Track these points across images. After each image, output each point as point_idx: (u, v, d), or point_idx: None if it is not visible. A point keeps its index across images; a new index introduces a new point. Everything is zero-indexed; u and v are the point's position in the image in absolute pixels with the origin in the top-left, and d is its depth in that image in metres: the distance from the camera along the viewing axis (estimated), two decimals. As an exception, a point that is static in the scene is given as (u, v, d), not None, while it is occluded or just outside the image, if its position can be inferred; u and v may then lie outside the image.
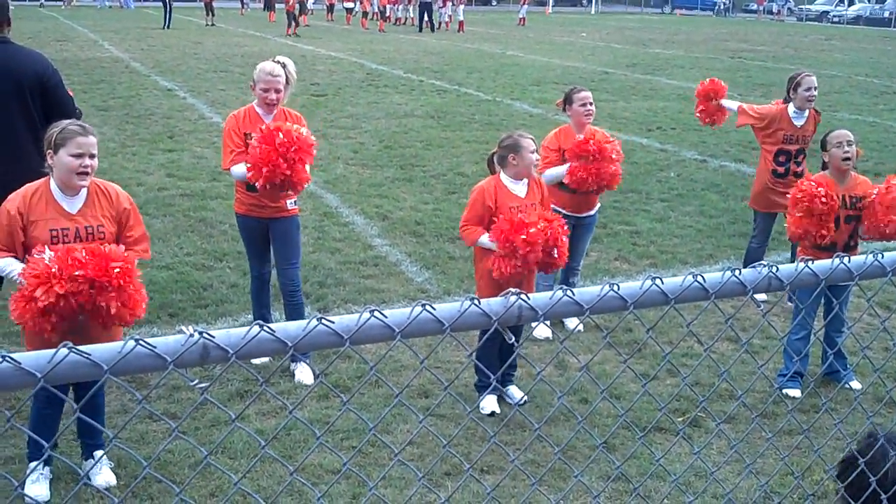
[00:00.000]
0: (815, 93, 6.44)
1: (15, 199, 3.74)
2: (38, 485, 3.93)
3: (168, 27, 32.28)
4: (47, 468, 4.05)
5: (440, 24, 37.94)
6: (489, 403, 4.92)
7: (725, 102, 7.21)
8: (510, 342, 4.34)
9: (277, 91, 5.05)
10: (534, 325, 5.90)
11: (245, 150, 4.93)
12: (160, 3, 34.87)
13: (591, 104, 5.85)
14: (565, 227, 4.60)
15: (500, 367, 4.87)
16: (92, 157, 3.72)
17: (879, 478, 2.32)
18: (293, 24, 31.43)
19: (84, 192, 3.80)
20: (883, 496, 2.29)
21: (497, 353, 4.99)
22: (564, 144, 5.82)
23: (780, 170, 6.50)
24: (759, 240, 6.77)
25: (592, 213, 6.09)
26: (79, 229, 3.75)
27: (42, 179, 3.81)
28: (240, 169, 4.92)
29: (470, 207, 4.82)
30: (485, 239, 4.67)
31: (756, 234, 6.83)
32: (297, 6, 32.07)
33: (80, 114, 5.36)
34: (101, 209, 3.83)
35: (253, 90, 5.15)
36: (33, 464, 4.02)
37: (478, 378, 5.09)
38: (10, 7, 5.09)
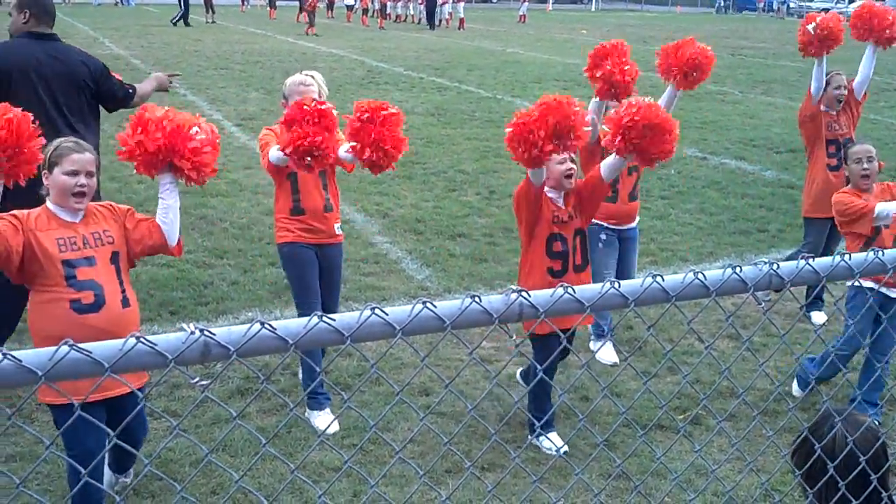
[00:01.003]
0: (845, 92, 6.36)
1: (18, 215, 3.44)
2: None
3: (178, 24, 32.14)
4: None
5: (440, 21, 37.93)
6: (556, 440, 4.60)
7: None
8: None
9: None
10: (596, 346, 5.74)
11: (278, 168, 4.64)
12: (158, 1, 34.65)
13: None
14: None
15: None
16: (89, 175, 3.45)
17: (826, 447, 2.35)
18: (312, 23, 31.11)
19: (82, 211, 3.55)
20: (830, 465, 2.32)
21: (550, 390, 4.67)
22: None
23: (833, 161, 6.24)
24: (811, 250, 6.23)
25: (634, 225, 5.65)
26: (85, 236, 3.50)
27: (39, 207, 3.51)
28: (275, 152, 4.46)
29: (522, 209, 4.44)
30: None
31: (809, 241, 6.36)
32: (318, 5, 31.77)
33: (132, 92, 5.33)
34: (103, 217, 3.61)
35: (285, 107, 4.71)
36: None
37: (532, 416, 4.64)
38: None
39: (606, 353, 5.68)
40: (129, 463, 4.09)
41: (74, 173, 3.42)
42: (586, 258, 4.56)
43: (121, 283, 3.59)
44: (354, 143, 4.17)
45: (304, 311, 4.79)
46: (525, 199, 4.37)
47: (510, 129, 3.99)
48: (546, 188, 4.45)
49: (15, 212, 3.46)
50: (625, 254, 5.60)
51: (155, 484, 4.10)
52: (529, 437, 4.67)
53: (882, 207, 4.71)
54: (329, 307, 4.86)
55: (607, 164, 4.38)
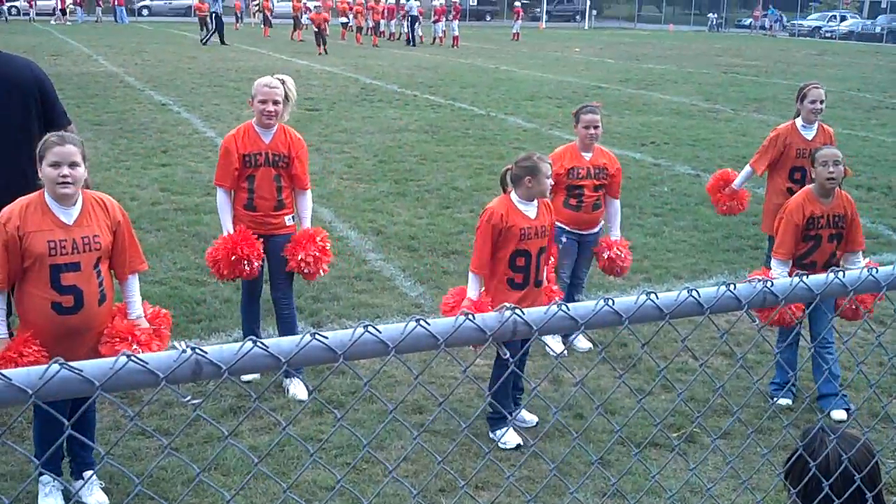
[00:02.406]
0: (822, 105, 6.34)
1: (10, 215, 3.68)
2: (51, 498, 3.98)
3: (206, 43, 32.64)
4: (57, 480, 4.03)
5: (434, 38, 38.10)
6: (511, 437, 4.77)
7: (736, 182, 6.74)
8: (505, 357, 4.33)
9: (276, 103, 5.00)
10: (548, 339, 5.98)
11: (238, 173, 5.10)
12: (152, 18, 34.89)
13: (595, 128, 5.73)
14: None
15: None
16: (72, 165, 3.65)
17: (820, 465, 2.34)
18: (323, 42, 30.64)
19: (80, 202, 3.77)
20: (825, 483, 2.30)
21: (511, 387, 4.94)
22: (567, 164, 5.78)
23: (795, 187, 6.13)
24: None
25: (595, 231, 6.00)
26: (76, 241, 3.72)
27: (36, 192, 3.77)
28: (221, 199, 5.18)
29: (482, 242, 4.65)
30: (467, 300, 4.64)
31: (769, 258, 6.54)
32: (326, 24, 31.47)
33: (69, 123, 5.38)
34: (96, 219, 3.81)
35: (251, 105, 5.10)
36: (44, 478, 4.02)
37: (491, 411, 4.94)
38: None
39: (555, 344, 5.99)
40: (87, 453, 4.18)
41: (57, 164, 3.66)
42: (542, 275, 4.83)
43: (100, 284, 3.85)
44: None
45: (242, 287, 5.49)
46: (493, 232, 4.61)
47: None
48: (518, 199, 4.67)
49: (14, 218, 3.66)
50: (582, 254, 6.02)
51: (146, 503, 4.06)
52: (490, 433, 4.85)
53: (779, 273, 4.95)
54: (282, 288, 5.35)
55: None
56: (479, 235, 4.70)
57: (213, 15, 33.20)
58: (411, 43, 36.94)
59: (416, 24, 37.47)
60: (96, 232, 3.79)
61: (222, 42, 32.90)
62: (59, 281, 3.69)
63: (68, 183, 3.66)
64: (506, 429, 4.79)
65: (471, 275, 4.71)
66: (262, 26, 41.04)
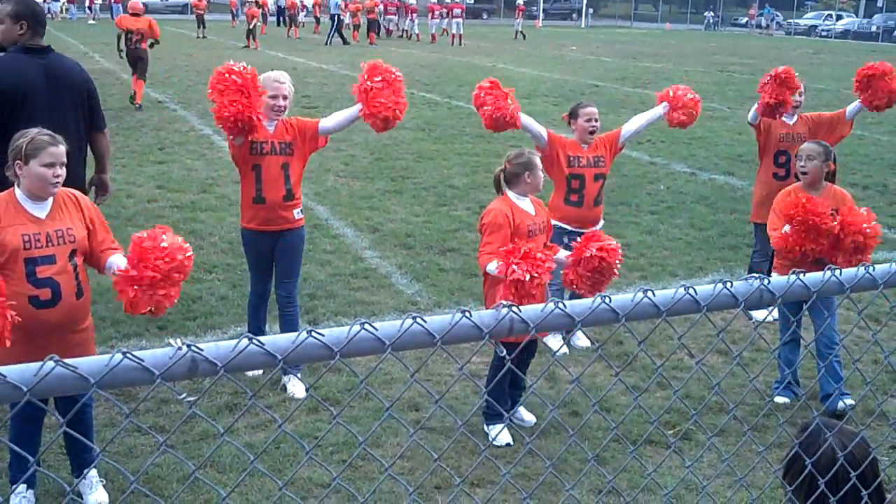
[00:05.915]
0: (801, 98, 6.43)
1: None
2: None
3: (329, 43, 33.08)
4: (30, 491, 3.92)
5: (432, 36, 38.05)
6: (503, 436, 4.75)
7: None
8: (502, 355, 4.31)
9: (285, 97, 5.04)
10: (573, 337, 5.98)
11: (244, 159, 5.10)
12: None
13: (595, 120, 5.80)
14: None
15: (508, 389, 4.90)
16: (62, 166, 3.72)
17: (816, 461, 2.34)
18: (254, 37, 30.47)
19: (50, 198, 3.79)
20: (821, 480, 2.31)
21: (508, 386, 4.91)
22: (568, 151, 5.81)
23: (781, 172, 6.39)
24: (763, 254, 6.52)
25: (598, 228, 5.85)
26: (49, 234, 3.72)
27: (6, 191, 3.76)
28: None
29: (491, 232, 4.54)
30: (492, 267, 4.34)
31: (758, 249, 6.62)
32: (255, 21, 31.29)
33: (105, 129, 5.46)
34: (69, 213, 3.82)
35: None
36: (16, 486, 3.90)
37: (486, 406, 4.88)
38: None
39: (553, 342, 5.90)
40: (89, 452, 4.11)
41: (51, 165, 3.69)
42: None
43: (76, 277, 3.81)
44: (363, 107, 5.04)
45: (252, 288, 5.50)
46: (503, 227, 4.53)
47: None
48: (517, 197, 4.69)
49: None
50: None
51: (142, 501, 4.06)
52: (484, 426, 4.90)
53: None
54: (287, 286, 5.33)
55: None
56: (490, 231, 4.54)
57: (333, 17, 34.19)
58: (327, 43, 34.75)
59: (340, 24, 36.47)
60: (69, 225, 3.79)
61: (345, 42, 33.54)
62: (34, 274, 3.67)
63: (58, 183, 3.73)
64: (501, 427, 4.78)
65: (490, 264, 4.37)
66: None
